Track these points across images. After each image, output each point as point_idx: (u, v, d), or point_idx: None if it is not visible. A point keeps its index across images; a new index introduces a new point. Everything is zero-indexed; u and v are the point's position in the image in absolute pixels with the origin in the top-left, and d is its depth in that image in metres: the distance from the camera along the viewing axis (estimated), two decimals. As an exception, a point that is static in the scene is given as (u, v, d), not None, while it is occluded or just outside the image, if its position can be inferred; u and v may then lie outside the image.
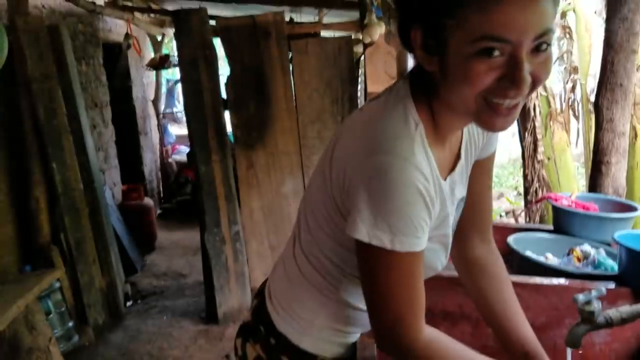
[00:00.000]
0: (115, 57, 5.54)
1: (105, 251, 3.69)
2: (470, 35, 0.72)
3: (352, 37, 3.76)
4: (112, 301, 3.71)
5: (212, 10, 4.84)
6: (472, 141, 0.99)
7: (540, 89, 3.39)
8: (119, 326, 3.67)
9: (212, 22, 3.72)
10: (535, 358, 1.04)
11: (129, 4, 5.14)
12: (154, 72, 6.45)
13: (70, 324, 3.31)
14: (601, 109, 1.89)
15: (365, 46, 3.52)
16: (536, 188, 3.50)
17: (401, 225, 0.79)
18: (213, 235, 3.46)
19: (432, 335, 0.90)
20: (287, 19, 4.42)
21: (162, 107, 7.28)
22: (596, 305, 0.99)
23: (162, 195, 6.85)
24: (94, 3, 4.14)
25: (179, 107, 7.74)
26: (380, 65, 3.49)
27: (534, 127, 3.39)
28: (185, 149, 7.13)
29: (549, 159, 3.47)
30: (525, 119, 3.49)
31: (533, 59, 0.73)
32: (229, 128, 3.59)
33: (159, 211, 6.43)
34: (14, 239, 3.16)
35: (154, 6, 5.33)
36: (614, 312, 1.02)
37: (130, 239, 4.78)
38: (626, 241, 1.35)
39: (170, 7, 5.07)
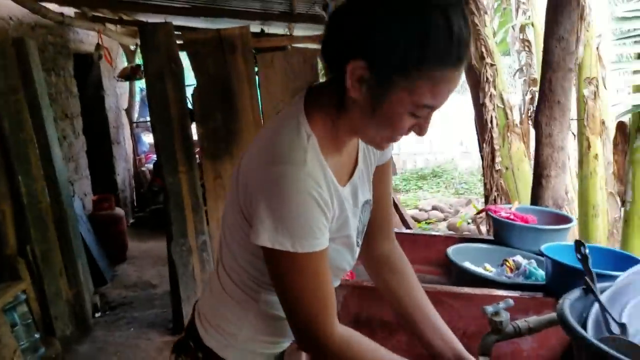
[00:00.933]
0: (88, 67, 5.55)
1: (73, 263, 3.69)
2: (415, 100, 0.84)
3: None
4: (79, 312, 3.71)
5: (181, 22, 4.89)
6: (369, 148, 1.08)
7: (497, 102, 3.51)
8: (86, 338, 3.68)
9: (180, 33, 3.77)
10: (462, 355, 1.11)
11: (100, 15, 5.16)
12: (127, 82, 6.46)
13: (37, 335, 3.30)
14: (540, 124, 1.99)
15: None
16: (495, 197, 3.61)
17: (299, 229, 0.86)
18: (179, 245, 3.50)
19: (346, 332, 0.98)
20: (258, 30, 4.50)
21: (135, 116, 7.28)
22: (504, 316, 1.07)
23: (135, 204, 6.84)
24: (62, 14, 4.15)
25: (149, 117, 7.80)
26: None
27: (492, 137, 3.50)
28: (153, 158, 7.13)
29: (507, 168, 3.58)
30: (483, 130, 3.60)
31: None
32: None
33: (132, 220, 6.43)
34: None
35: (125, 17, 5.35)
36: (522, 322, 1.10)
37: (100, 249, 4.77)
38: (552, 253, 1.44)
39: (142, 18, 5.10)
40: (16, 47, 3.40)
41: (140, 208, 6.74)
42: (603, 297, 0.99)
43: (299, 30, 4.87)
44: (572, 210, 3.51)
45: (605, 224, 3.02)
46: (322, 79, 4.13)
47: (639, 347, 0.82)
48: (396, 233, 2.00)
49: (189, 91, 3.76)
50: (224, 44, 3.49)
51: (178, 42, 3.58)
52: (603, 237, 3.05)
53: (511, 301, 1.10)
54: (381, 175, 1.14)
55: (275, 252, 0.88)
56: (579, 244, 1.06)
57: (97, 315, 4.01)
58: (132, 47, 6.42)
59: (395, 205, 4.12)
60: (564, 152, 1.99)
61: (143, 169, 7.07)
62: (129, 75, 6.06)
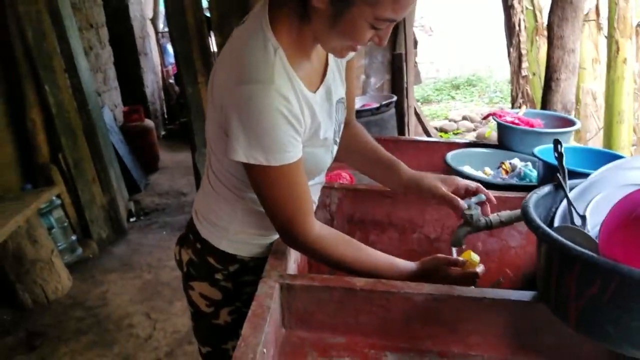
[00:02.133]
0: (110, -25, 5.47)
1: (105, 170, 3.87)
2: (376, 14, 0.88)
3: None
4: (114, 217, 3.94)
5: None
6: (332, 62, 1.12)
7: (526, 3, 3.33)
8: (121, 240, 3.93)
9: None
10: (423, 178, 1.22)
11: None
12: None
13: (74, 237, 3.55)
14: (552, 26, 1.90)
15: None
16: (520, 103, 3.53)
17: (271, 144, 0.93)
18: (202, 155, 3.60)
19: (324, 229, 1.08)
20: None
21: (160, 25, 7.20)
22: (474, 209, 1.11)
23: (165, 116, 6.95)
24: None
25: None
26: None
27: (519, 42, 3.36)
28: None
29: (534, 74, 3.46)
30: (511, 34, 3.45)
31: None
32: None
33: (163, 132, 6.57)
34: (14, 159, 3.34)
35: None
36: (493, 216, 1.13)
37: (134, 159, 4.96)
38: (545, 155, 1.43)
39: None
40: (33, -46, 3.37)
41: (171, 120, 6.86)
42: (573, 193, 1.01)
43: None
44: (599, 116, 3.41)
45: (630, 131, 2.94)
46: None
47: (590, 236, 0.84)
48: (402, 140, 2.01)
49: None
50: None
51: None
52: (627, 143, 2.98)
53: (483, 196, 1.13)
54: (349, 70, 1.22)
55: (251, 166, 0.96)
56: (556, 142, 1.06)
57: (131, 220, 4.25)
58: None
59: (417, 115, 4.08)
60: (575, 55, 1.91)
61: (171, 81, 7.10)
62: None
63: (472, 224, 1.12)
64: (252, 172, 0.99)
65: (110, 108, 5.08)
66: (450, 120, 6.79)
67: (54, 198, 3.32)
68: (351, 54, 1.17)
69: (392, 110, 3.44)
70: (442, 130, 6.21)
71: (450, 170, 1.72)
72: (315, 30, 0.96)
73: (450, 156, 1.74)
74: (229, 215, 1.18)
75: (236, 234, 1.19)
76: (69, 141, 3.54)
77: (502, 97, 7.95)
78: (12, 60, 3.28)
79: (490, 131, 5.39)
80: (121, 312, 3.02)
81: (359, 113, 3.40)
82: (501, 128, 1.84)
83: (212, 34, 3.68)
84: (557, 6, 1.90)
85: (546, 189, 1.03)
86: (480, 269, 1.10)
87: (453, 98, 8.29)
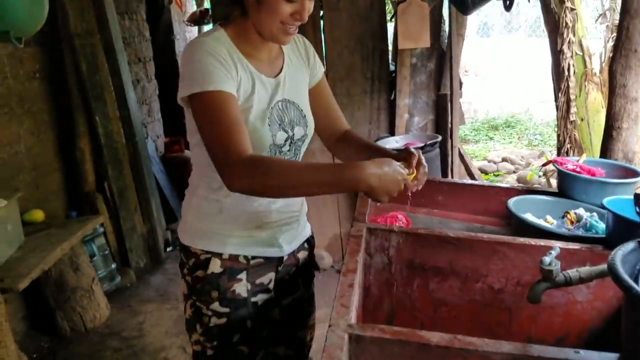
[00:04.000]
0: (159, 11, 5.66)
1: (146, 200, 3.92)
2: None
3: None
4: (152, 246, 3.96)
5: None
6: (293, 64, 1.36)
7: (576, 48, 3.29)
8: (158, 269, 3.93)
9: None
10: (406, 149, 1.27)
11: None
12: (194, 26, 6.55)
13: (113, 266, 3.57)
14: (615, 74, 1.87)
15: (397, 2, 3.49)
16: (567, 149, 3.46)
17: (200, 75, 1.14)
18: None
19: (258, 155, 1.18)
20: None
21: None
22: (554, 264, 1.06)
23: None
24: (134, -42, 4.22)
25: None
26: (412, 22, 3.45)
27: (568, 86, 3.31)
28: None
29: (582, 119, 3.40)
30: (559, 78, 3.40)
31: (308, 2, 1.17)
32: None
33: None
34: (61, 187, 3.42)
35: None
36: (573, 272, 1.08)
37: (172, 188, 5.01)
38: (614, 206, 1.38)
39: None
40: (91, -10, 3.50)
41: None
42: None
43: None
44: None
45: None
46: (390, 23, 4.02)
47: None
48: (457, 184, 1.98)
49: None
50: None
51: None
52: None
53: (558, 249, 1.08)
54: (320, 91, 1.44)
55: (190, 99, 1.15)
56: (638, 197, 1.01)
57: (168, 249, 4.27)
58: (202, -9, 6.47)
59: (461, 156, 4.04)
60: (638, 104, 1.86)
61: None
62: (198, 19, 6.14)
63: (551, 279, 1.07)
64: (192, 107, 1.17)
65: (153, 139, 5.19)
66: (489, 161, 6.70)
67: (97, 226, 3.35)
68: (318, 74, 1.43)
69: (437, 150, 3.42)
70: (481, 171, 6.12)
71: (511, 217, 1.67)
72: (253, 21, 1.20)
73: (512, 203, 1.69)
74: (188, 206, 1.38)
75: (190, 225, 1.35)
76: (115, 171, 3.61)
77: (542, 140, 7.82)
78: (65, 91, 3.38)
79: (532, 175, 5.29)
80: (157, 345, 3.00)
81: (403, 152, 3.37)
82: (563, 176, 1.79)
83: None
84: (620, 55, 1.87)
85: (631, 245, 0.98)
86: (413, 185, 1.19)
87: (491, 139, 8.20)
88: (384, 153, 1.33)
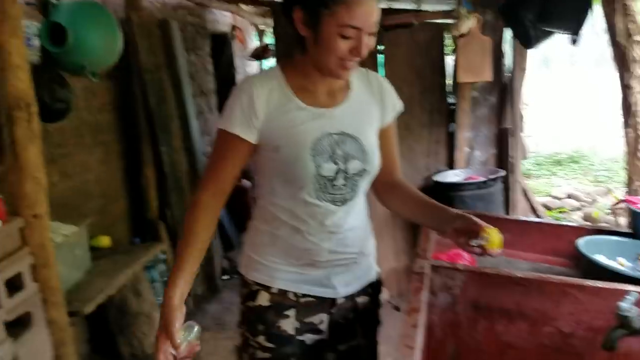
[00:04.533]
0: (222, 46, 5.88)
1: (205, 229, 3.98)
2: (338, 23, 1.13)
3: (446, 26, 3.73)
4: (209, 274, 4.02)
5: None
6: (360, 99, 1.34)
7: (647, 82, 3.14)
8: (215, 298, 3.98)
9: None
10: (465, 216, 1.23)
11: (235, -5, 5.41)
12: (256, 61, 6.74)
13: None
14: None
15: (458, 36, 3.48)
16: (637, 187, 3.27)
17: (227, 112, 1.25)
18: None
19: (209, 203, 1.27)
20: (384, 6, 4.45)
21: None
22: (633, 311, 0.99)
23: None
24: (202, -4, 4.42)
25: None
26: (473, 56, 3.42)
27: (636, 122, 3.15)
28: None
29: (654, 156, 3.21)
30: (627, 113, 3.25)
31: (367, 37, 1.16)
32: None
33: (257, 193, 6.74)
34: (126, 214, 3.54)
35: (258, -3, 5.56)
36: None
37: (230, 217, 5.10)
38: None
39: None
40: (161, 27, 3.69)
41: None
42: None
43: (428, 5, 4.74)
44: None
45: None
46: (450, 57, 4.00)
47: None
48: (523, 221, 1.92)
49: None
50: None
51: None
52: None
53: (636, 294, 1.01)
54: (385, 135, 1.40)
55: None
56: None
57: (224, 277, 4.31)
58: (262, 27, 6.68)
59: (524, 191, 3.91)
60: None
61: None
62: (259, 54, 6.32)
63: (628, 326, 1.00)
64: None
65: (212, 168, 5.30)
66: (553, 197, 6.45)
67: (158, 253, 3.44)
68: (388, 115, 1.39)
69: (499, 185, 3.33)
70: (545, 207, 5.89)
71: (581, 258, 1.59)
72: (311, 56, 1.23)
73: (582, 243, 1.61)
74: (247, 235, 1.41)
75: (246, 255, 1.39)
76: (177, 199, 3.71)
77: (608, 177, 7.48)
78: (133, 122, 3.54)
79: (598, 212, 5.05)
80: (212, 375, 3.01)
81: (463, 186, 3.31)
82: (636, 216, 1.69)
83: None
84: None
85: None
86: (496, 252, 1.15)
87: (554, 174, 7.92)
88: (442, 211, 1.30)
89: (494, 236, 1.14)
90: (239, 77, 6.26)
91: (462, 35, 3.46)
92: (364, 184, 1.34)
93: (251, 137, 1.25)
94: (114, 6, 3.38)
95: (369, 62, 3.46)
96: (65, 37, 2.24)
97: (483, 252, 1.17)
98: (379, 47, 3.61)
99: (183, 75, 3.90)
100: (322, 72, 1.24)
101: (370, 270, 1.46)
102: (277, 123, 1.25)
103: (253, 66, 7.09)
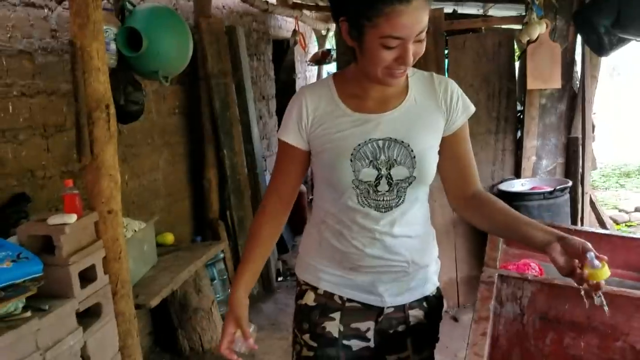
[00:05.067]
0: (283, 52, 5.97)
1: (263, 230, 4.05)
2: (380, 34, 1.10)
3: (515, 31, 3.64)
4: (265, 275, 4.08)
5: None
6: (417, 104, 1.28)
7: None
8: (270, 298, 4.03)
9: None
10: (564, 237, 1.13)
11: (299, 1, 5.50)
12: (316, 66, 6.80)
13: (230, 291, 3.71)
14: None
15: (527, 42, 3.39)
16: None
17: (283, 122, 1.31)
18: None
19: (270, 207, 1.37)
20: (450, 10, 4.40)
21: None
22: None
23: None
24: (267, 2, 4.52)
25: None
26: (542, 63, 3.32)
27: None
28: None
29: None
30: None
31: (414, 45, 1.12)
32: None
33: (311, 197, 6.79)
34: (189, 213, 3.66)
35: (320, 3, 5.63)
36: None
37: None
38: None
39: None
40: (228, 34, 3.80)
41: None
42: None
43: (496, 10, 4.64)
44: None
45: None
46: (516, 63, 3.90)
47: None
48: (591, 233, 1.84)
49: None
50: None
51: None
52: None
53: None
54: (454, 142, 1.32)
55: None
56: None
57: (279, 279, 4.37)
58: (324, 32, 6.74)
59: (592, 203, 3.75)
60: None
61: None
62: (319, 59, 6.38)
63: None
64: None
65: (270, 172, 5.39)
66: (620, 211, 6.15)
67: (218, 252, 3.52)
68: (456, 123, 1.31)
69: (567, 196, 3.21)
70: (612, 220, 5.64)
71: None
72: (360, 66, 1.23)
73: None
74: (303, 237, 1.44)
75: (300, 255, 1.41)
76: (237, 200, 3.79)
77: (682, 190, 7.06)
78: (198, 125, 3.65)
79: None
80: (268, 374, 3.04)
81: (529, 196, 3.21)
82: None
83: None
84: None
85: None
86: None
87: (622, 186, 7.55)
88: (535, 229, 1.19)
89: (605, 269, 1.05)
90: (299, 82, 6.34)
91: (531, 41, 3.37)
92: (414, 192, 1.28)
93: (302, 144, 1.29)
94: (185, 13, 3.51)
95: (434, 67, 3.43)
96: (140, 42, 2.34)
97: (592, 286, 1.09)
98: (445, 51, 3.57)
99: (246, 80, 3.99)
100: (372, 81, 1.24)
101: (427, 283, 1.39)
102: (323, 129, 1.27)
103: (313, 71, 7.17)
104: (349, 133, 1.25)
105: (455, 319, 3.48)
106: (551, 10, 3.35)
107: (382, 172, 1.24)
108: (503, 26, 3.96)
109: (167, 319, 3.17)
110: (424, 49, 1.16)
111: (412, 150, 1.24)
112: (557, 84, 3.36)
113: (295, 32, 5.39)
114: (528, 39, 3.33)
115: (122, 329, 2.19)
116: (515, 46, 3.80)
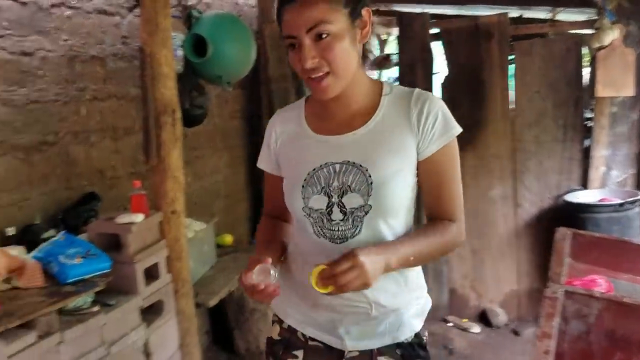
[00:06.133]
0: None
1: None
2: (283, 35, 1.08)
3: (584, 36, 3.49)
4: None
5: (437, 10, 4.91)
6: (385, 123, 1.15)
7: None
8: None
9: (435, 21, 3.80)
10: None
11: (360, 7, 5.49)
12: (376, 70, 6.77)
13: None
14: None
15: (597, 48, 3.23)
16: None
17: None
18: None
19: (268, 221, 1.34)
20: (516, 15, 4.28)
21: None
22: None
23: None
24: (328, 9, 4.53)
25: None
26: (614, 69, 3.16)
27: None
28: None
29: None
30: None
31: (317, 45, 1.05)
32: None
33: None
34: (247, 215, 3.72)
35: (382, 7, 5.59)
36: None
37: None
38: None
39: (399, 8, 5.28)
40: (289, 39, 3.84)
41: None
42: None
43: (564, 15, 4.47)
44: None
45: None
46: (586, 69, 3.74)
47: None
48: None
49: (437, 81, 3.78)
50: (480, 32, 3.40)
51: (432, 31, 3.62)
52: None
53: None
54: (427, 169, 1.14)
55: None
56: None
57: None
58: (384, 37, 6.69)
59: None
60: None
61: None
62: (380, 64, 6.34)
63: None
64: None
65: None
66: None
67: (275, 255, 3.57)
68: (428, 149, 1.13)
69: (638, 209, 3.04)
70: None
71: None
72: None
73: None
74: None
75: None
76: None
77: None
78: (258, 128, 3.72)
79: None
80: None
81: (598, 208, 3.07)
82: None
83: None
84: None
85: None
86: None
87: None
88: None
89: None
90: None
91: (601, 47, 3.22)
92: (373, 222, 1.12)
93: (275, 170, 1.27)
94: (249, 19, 3.59)
95: (498, 73, 3.35)
96: (206, 49, 2.41)
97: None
98: (509, 57, 3.47)
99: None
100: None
101: (402, 327, 1.18)
102: (287, 152, 1.22)
103: (374, 75, 7.13)
104: (306, 156, 1.17)
105: (516, 333, 3.37)
106: (624, 15, 3.19)
107: (334, 200, 1.12)
108: (571, 31, 3.80)
109: (224, 319, 3.24)
110: (337, 51, 1.05)
111: (369, 176, 1.10)
112: (629, 91, 3.19)
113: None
114: (598, 45, 3.18)
115: (182, 326, 2.26)
116: (585, 52, 3.65)
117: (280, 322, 1.26)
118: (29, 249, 1.89)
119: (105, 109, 2.43)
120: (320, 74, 1.06)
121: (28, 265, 1.75)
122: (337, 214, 1.12)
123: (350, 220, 1.11)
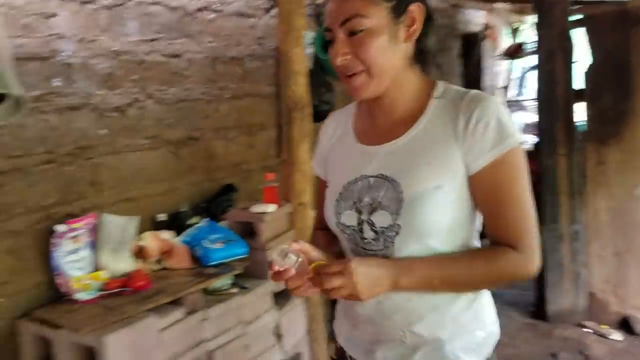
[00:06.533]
0: (471, 47, 5.77)
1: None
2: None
3: None
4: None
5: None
6: (428, 133, 1.00)
7: None
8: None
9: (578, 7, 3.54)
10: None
11: (491, -6, 5.27)
12: (507, 60, 6.45)
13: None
14: None
15: None
16: None
17: None
18: (549, 230, 3.37)
19: (318, 234, 1.21)
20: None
21: (512, 94, 7.22)
22: None
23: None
24: (456, -3, 4.42)
25: (526, 95, 7.56)
26: None
27: None
28: (527, 139, 6.90)
29: None
30: None
31: (351, 41, 0.97)
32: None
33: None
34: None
35: (516, -6, 5.31)
36: None
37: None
38: None
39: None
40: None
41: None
42: None
43: None
44: None
45: None
46: None
47: None
48: None
49: (577, 71, 3.51)
50: (629, 17, 3.11)
51: (574, 17, 3.38)
52: None
53: None
54: (480, 186, 0.98)
55: None
56: None
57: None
58: (516, 25, 6.35)
59: None
60: None
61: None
62: (512, 53, 6.04)
63: None
64: None
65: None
66: None
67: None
68: (476, 162, 0.97)
69: None
70: None
71: None
72: None
73: None
74: None
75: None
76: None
77: None
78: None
79: None
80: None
81: None
82: None
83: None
84: None
85: None
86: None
87: None
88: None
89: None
90: (485, 78, 6.08)
91: None
92: (406, 245, 0.99)
93: (324, 175, 1.19)
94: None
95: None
96: (334, 45, 2.47)
97: None
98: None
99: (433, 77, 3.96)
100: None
101: None
102: (333, 159, 1.15)
103: (503, 65, 6.81)
104: (344, 167, 1.09)
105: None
106: None
107: (363, 217, 1.02)
108: None
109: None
110: (371, 48, 0.95)
111: (401, 192, 0.97)
112: None
113: (485, 26, 5.18)
114: None
115: (310, 313, 2.36)
116: None
117: (335, 341, 1.20)
118: (177, 234, 2.09)
119: (241, 106, 2.61)
120: (354, 72, 0.98)
121: (177, 248, 1.94)
122: (368, 233, 1.02)
123: (382, 240, 1.00)
